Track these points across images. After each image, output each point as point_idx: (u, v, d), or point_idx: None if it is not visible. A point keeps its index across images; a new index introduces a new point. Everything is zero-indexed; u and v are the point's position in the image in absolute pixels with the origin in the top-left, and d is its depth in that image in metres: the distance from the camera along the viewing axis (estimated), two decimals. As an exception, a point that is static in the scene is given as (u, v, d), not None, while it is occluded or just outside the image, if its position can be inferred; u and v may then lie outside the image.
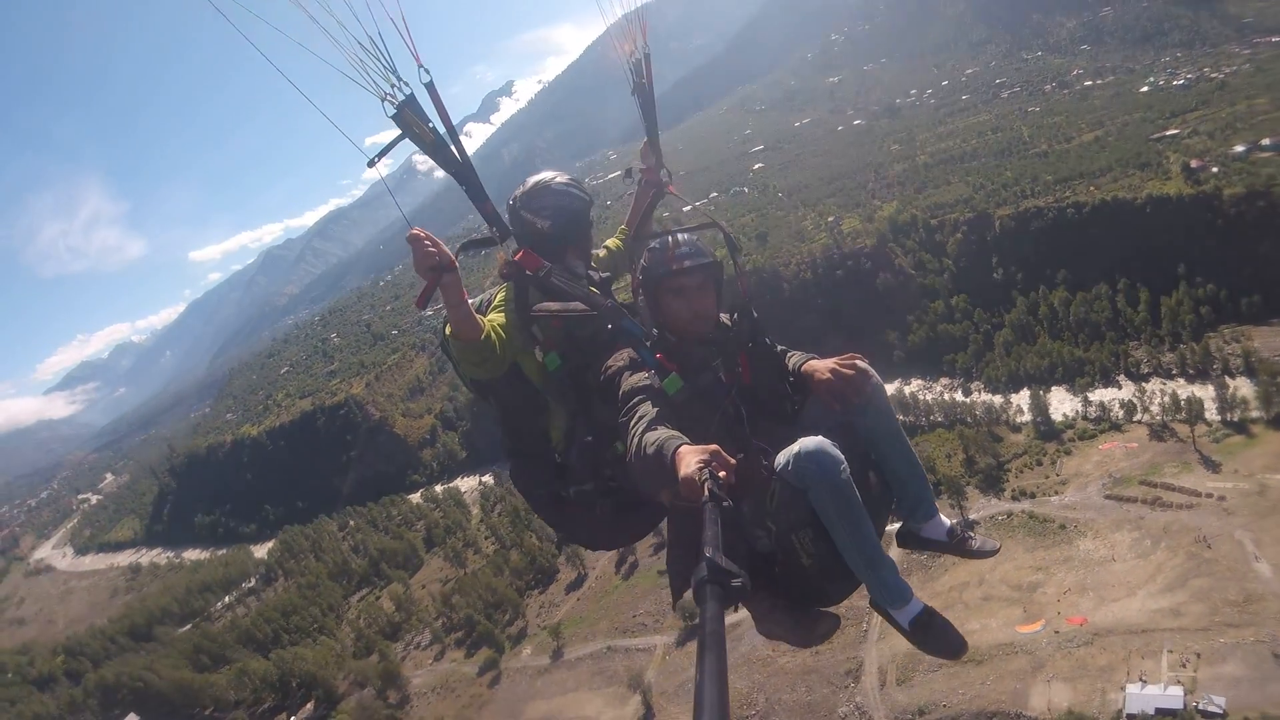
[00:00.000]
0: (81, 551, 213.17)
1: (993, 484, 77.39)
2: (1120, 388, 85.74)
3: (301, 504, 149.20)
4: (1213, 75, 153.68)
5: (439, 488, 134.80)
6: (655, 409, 3.73)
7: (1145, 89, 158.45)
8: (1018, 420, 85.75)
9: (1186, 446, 73.81)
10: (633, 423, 3.71)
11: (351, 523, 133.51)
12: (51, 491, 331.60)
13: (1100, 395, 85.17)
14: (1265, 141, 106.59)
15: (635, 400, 3.86)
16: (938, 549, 4.31)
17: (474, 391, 4.73)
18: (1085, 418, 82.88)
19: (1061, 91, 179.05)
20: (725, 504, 2.68)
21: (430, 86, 3.97)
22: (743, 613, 3.78)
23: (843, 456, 3.54)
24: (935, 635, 3.79)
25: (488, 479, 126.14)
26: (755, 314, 4.50)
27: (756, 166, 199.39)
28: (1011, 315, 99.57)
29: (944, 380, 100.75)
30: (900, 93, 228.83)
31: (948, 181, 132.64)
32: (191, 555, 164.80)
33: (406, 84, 3.95)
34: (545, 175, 4.92)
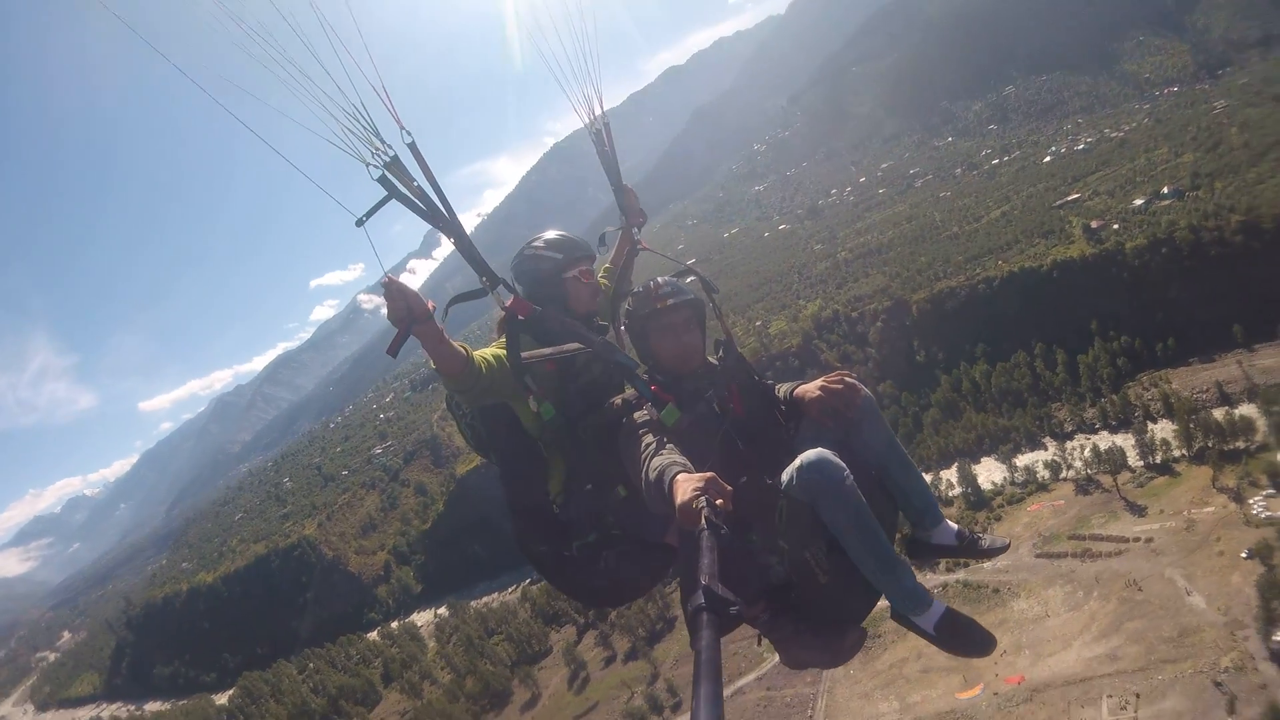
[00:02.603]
0: (42, 708, 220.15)
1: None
2: (1046, 449, 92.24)
3: (260, 650, 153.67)
4: (1113, 135, 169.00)
5: (395, 624, 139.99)
6: (659, 438, 4.02)
7: (1048, 158, 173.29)
8: (949, 494, 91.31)
9: (1112, 496, 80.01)
10: (641, 451, 3.99)
11: (311, 664, 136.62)
12: (9, 650, 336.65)
13: (1027, 458, 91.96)
14: (1165, 190, 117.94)
15: (643, 430, 4.15)
16: (950, 554, 4.45)
17: (476, 448, 5.12)
18: (1013, 483, 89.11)
19: (970, 173, 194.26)
20: (722, 531, 2.84)
21: (413, 147, 4.25)
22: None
23: (844, 464, 3.76)
24: (961, 635, 3.91)
25: (443, 611, 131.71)
26: (739, 350, 4.80)
27: (689, 280, 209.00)
28: (937, 395, 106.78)
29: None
30: (822, 193, 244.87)
31: (866, 274, 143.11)
32: (152, 707, 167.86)
33: (390, 147, 4.21)
34: (532, 238, 5.44)
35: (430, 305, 3.96)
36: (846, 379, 4.31)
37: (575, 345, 4.53)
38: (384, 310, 3.92)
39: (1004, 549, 4.52)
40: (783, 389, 4.68)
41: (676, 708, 78.82)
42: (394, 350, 4.20)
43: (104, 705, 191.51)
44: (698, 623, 2.12)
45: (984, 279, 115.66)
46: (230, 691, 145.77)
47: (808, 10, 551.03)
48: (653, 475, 3.65)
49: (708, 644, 1.97)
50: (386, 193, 4.27)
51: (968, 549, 4.45)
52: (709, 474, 3.25)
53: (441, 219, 4.39)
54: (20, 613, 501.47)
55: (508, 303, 4.60)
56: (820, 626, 3.97)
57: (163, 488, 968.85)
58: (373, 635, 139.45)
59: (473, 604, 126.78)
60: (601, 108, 5.79)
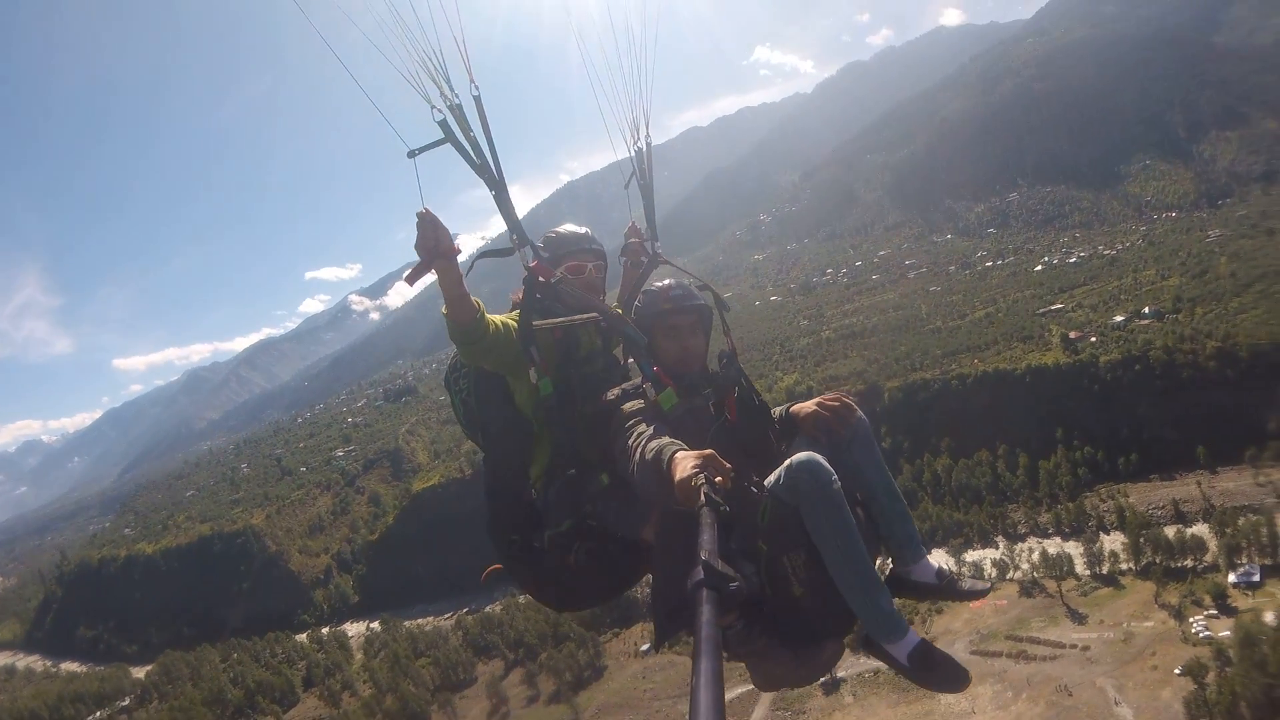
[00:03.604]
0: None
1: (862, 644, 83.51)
2: (998, 548, 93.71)
3: (187, 630, 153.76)
4: (1106, 252, 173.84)
5: (326, 630, 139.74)
6: (654, 426, 3.99)
7: (1040, 267, 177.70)
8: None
9: (1054, 601, 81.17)
10: (633, 439, 3.96)
11: (234, 655, 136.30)
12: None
13: (976, 554, 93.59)
14: (1146, 309, 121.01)
15: (634, 420, 4.13)
16: (928, 593, 4.29)
17: (466, 426, 5.15)
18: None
19: (963, 272, 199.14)
20: (722, 509, 2.82)
21: (478, 100, 4.42)
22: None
23: (833, 470, 3.65)
24: (936, 668, 3.74)
25: (375, 625, 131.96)
26: (740, 365, 4.77)
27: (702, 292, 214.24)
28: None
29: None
30: (817, 271, 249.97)
31: (845, 355, 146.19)
32: (69, 667, 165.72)
33: (456, 95, 4.36)
34: (553, 228, 5.41)
35: (458, 248, 4.16)
36: (843, 399, 4.28)
37: (589, 314, 4.69)
38: (421, 235, 4.08)
39: (985, 593, 4.32)
40: (778, 409, 4.67)
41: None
42: (413, 279, 4.30)
43: (21, 655, 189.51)
44: (697, 598, 2.07)
45: (958, 375, 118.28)
46: (149, 667, 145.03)
47: (833, 94, 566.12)
48: (649, 455, 3.63)
49: (708, 620, 1.92)
50: (443, 136, 4.44)
51: (947, 589, 4.27)
52: (708, 451, 3.27)
53: (488, 173, 4.57)
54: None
55: (532, 263, 4.76)
56: (794, 640, 3.82)
57: (120, 449, 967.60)
58: (302, 637, 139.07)
59: (406, 623, 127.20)
60: (647, 129, 5.79)
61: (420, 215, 4.02)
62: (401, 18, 4.05)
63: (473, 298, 4.35)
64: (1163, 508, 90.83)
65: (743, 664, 3.99)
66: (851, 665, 76.39)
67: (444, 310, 4.30)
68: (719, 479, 3.01)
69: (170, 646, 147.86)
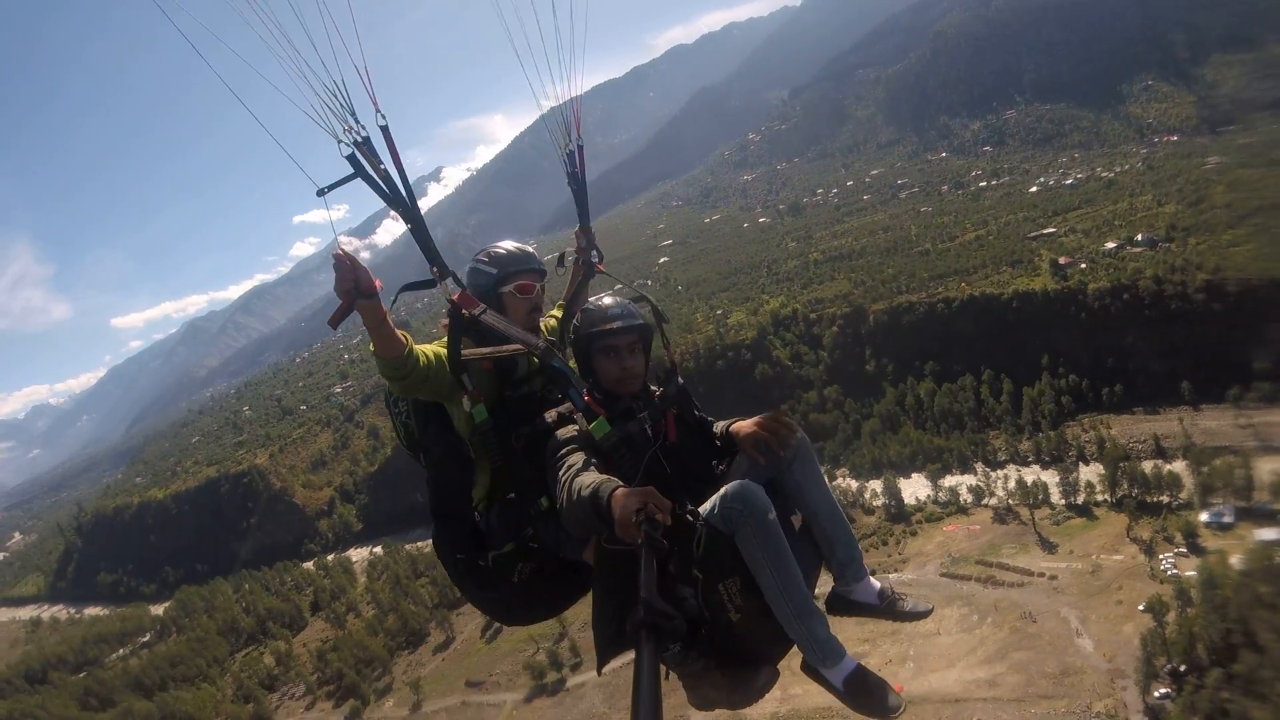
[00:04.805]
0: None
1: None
2: (977, 474, 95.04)
3: (200, 567, 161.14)
4: (1104, 174, 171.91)
5: (331, 557, 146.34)
6: (585, 457, 4.06)
7: (1035, 189, 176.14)
8: (873, 504, 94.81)
9: (1027, 529, 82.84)
10: (563, 471, 4.00)
11: (246, 585, 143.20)
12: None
13: (954, 480, 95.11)
14: (1139, 237, 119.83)
15: (565, 450, 4.17)
16: (869, 613, 4.40)
17: (408, 448, 5.23)
18: (935, 501, 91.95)
19: (956, 192, 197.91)
20: (663, 545, 2.97)
21: (385, 130, 4.38)
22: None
23: (769, 500, 3.77)
24: (870, 694, 3.83)
25: (378, 550, 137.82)
26: (681, 381, 4.81)
27: (662, 260, 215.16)
28: (880, 405, 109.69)
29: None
30: (807, 191, 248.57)
31: (832, 278, 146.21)
32: (92, 611, 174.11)
33: (363, 127, 4.29)
34: (482, 249, 5.38)
35: (378, 284, 4.07)
36: (782, 418, 4.34)
37: (516, 346, 4.63)
38: (339, 277, 4.05)
39: (926, 614, 4.44)
40: (719, 425, 4.73)
41: (576, 667, 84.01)
42: (335, 322, 4.25)
43: (46, 606, 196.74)
44: (638, 637, 2.16)
45: (944, 299, 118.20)
46: (167, 603, 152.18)
47: (823, 6, 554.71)
48: (585, 491, 3.62)
49: (648, 657, 1.99)
50: (354, 170, 4.38)
51: (888, 609, 4.38)
52: (648, 488, 3.34)
53: (402, 204, 4.50)
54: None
55: (455, 296, 4.66)
56: (730, 665, 3.92)
57: (126, 404, 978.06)
58: (308, 565, 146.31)
59: (406, 547, 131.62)
60: (579, 130, 5.75)
61: (336, 257, 3.98)
62: (301, 55, 3.96)
63: (399, 332, 4.33)
64: (1144, 441, 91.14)
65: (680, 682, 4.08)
66: (824, 583, 75.97)
67: (371, 348, 4.34)
68: (659, 516, 3.11)
69: (186, 583, 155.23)
